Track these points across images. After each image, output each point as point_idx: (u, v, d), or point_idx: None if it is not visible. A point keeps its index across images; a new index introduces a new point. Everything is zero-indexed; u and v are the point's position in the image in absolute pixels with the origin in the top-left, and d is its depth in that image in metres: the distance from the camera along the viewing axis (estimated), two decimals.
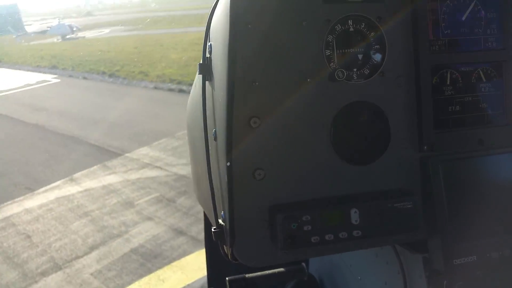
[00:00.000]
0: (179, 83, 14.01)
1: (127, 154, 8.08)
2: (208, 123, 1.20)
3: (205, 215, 1.78)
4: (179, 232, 5.17)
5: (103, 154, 8.21)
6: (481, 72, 1.30)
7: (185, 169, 7.07)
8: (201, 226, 5.55)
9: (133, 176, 7.04)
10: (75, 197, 6.51)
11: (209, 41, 1.20)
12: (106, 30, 31.72)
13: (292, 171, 1.13)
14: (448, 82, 1.26)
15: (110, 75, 16.69)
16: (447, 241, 1.18)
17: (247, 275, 1.45)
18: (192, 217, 5.51)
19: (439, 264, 1.19)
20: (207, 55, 1.19)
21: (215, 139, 1.16)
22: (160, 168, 7.29)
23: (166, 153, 7.94)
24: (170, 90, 13.63)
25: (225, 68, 1.06)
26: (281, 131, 1.12)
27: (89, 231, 5.44)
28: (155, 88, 14.18)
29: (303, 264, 1.52)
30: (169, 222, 5.44)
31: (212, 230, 1.16)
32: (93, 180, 7.03)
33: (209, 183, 1.18)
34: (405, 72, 1.20)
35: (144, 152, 8.11)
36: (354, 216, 1.11)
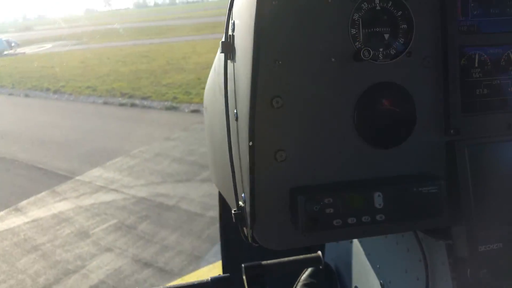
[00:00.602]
0: (131, 97, 13.45)
1: (78, 177, 7.48)
2: (230, 104, 1.18)
3: (220, 199, 1.84)
4: (144, 264, 4.70)
5: (51, 179, 7.55)
6: (511, 55, 1.28)
7: (144, 190, 6.59)
8: (169, 254, 5.23)
9: (86, 201, 6.47)
10: (21, 229, 5.86)
11: (231, 19, 1.18)
12: (48, 45, 30.34)
13: (314, 153, 1.13)
14: (476, 64, 1.23)
15: (55, 91, 15.84)
16: (472, 228, 1.18)
17: (263, 262, 1.43)
18: (157, 244, 5.05)
19: (464, 251, 1.18)
20: (230, 33, 1.17)
21: (237, 119, 1.15)
22: (116, 191, 6.76)
23: (121, 174, 7.41)
24: (122, 105, 13.02)
25: (250, 46, 1.03)
26: (303, 112, 1.11)
27: (39, 268, 4.84)
28: (105, 103, 13.51)
29: (319, 252, 1.51)
30: (131, 252, 4.96)
31: (233, 212, 1.16)
32: (41, 209, 6.39)
33: (230, 164, 1.17)
34: (432, 53, 1.19)
35: (96, 174, 7.54)
36: (378, 199, 1.10)
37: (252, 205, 1.10)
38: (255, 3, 1.03)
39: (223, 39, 1.19)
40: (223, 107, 1.19)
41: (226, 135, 1.20)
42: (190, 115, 11.49)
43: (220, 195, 1.76)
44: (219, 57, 1.31)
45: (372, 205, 1.10)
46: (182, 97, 12.91)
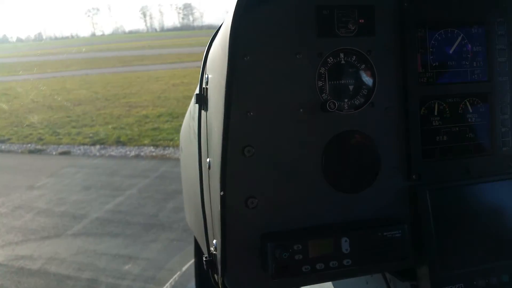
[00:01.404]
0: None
1: None
2: (203, 152, 1.26)
3: (195, 243, 1.89)
4: None
5: None
6: (467, 103, 1.38)
7: None
8: None
9: None
10: None
11: (205, 73, 1.28)
12: None
13: (284, 200, 1.19)
14: (435, 113, 1.33)
15: None
16: (434, 269, 1.24)
17: None
18: None
19: None
20: (204, 85, 1.26)
21: (209, 168, 1.21)
22: None
23: None
24: None
25: (221, 99, 1.10)
26: (273, 160, 1.18)
27: None
28: None
29: None
30: None
31: (204, 259, 1.20)
32: None
33: (202, 212, 1.23)
34: (394, 103, 1.28)
35: None
36: (345, 245, 1.16)
37: (223, 253, 1.13)
38: (226, 59, 1.08)
39: (197, 91, 1.26)
40: (198, 153, 1.25)
41: (199, 183, 1.24)
42: (58, 158, 10.20)
43: (195, 240, 1.77)
44: (194, 107, 1.34)
45: (339, 250, 1.15)
46: (50, 138, 11.47)
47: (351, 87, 1.24)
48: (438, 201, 1.29)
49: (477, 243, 1.31)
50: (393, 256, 1.20)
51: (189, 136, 1.50)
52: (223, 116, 1.09)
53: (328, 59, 1.22)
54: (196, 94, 1.25)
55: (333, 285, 1.73)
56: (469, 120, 1.37)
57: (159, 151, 10.22)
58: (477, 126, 1.38)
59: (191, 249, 5.08)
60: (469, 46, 1.36)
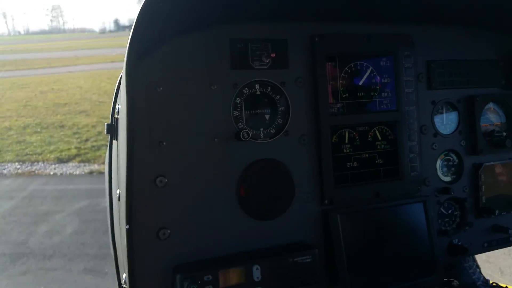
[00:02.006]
0: None
1: None
2: (113, 183, 1.26)
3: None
4: None
5: None
6: (376, 131, 1.47)
7: None
8: None
9: None
10: None
11: (117, 104, 1.27)
12: None
13: (198, 229, 1.20)
14: (346, 141, 1.43)
15: None
16: None
17: None
18: None
19: None
20: (116, 116, 1.26)
21: (119, 199, 1.15)
22: None
23: None
24: None
25: (125, 129, 1.07)
26: (187, 189, 1.20)
27: None
28: None
29: None
30: None
31: None
32: None
33: (112, 246, 1.23)
34: (307, 132, 1.37)
35: None
36: (256, 273, 1.18)
37: (132, 286, 1.10)
38: (137, 91, 1.11)
39: (109, 122, 1.26)
40: (107, 184, 1.26)
41: (109, 215, 1.25)
42: None
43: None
44: (105, 133, 1.32)
45: (250, 279, 1.17)
46: None
47: (267, 117, 1.31)
48: (349, 224, 1.35)
49: (387, 264, 1.38)
50: (305, 280, 1.23)
51: (107, 169, 1.49)
52: (127, 148, 1.06)
53: (244, 90, 1.27)
54: (107, 124, 1.24)
55: None
56: (379, 147, 1.46)
57: (25, 167, 8.96)
58: (386, 153, 1.47)
59: (73, 278, 4.43)
60: (378, 78, 1.45)
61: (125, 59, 1.03)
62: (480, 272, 1.83)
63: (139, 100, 1.14)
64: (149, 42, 1.13)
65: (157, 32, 1.13)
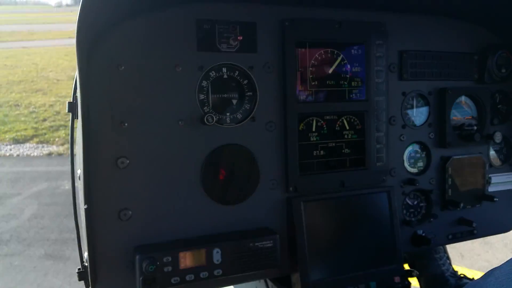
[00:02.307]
0: None
1: None
2: (75, 163, 1.21)
3: None
4: None
5: None
6: (345, 121, 1.45)
7: None
8: None
9: None
10: None
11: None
12: None
13: (160, 211, 1.20)
14: (313, 129, 1.41)
15: None
16: (305, 277, 1.31)
17: None
18: None
19: None
20: (77, 94, 1.18)
21: (80, 179, 1.16)
22: None
23: None
24: None
25: (87, 110, 1.09)
26: (150, 172, 1.18)
27: None
28: None
29: None
30: None
31: (76, 270, 1.16)
32: None
33: (75, 225, 1.19)
34: (275, 119, 1.35)
35: None
36: (216, 255, 1.19)
37: (92, 265, 1.12)
38: (100, 69, 1.11)
39: (71, 99, 1.21)
40: (70, 164, 1.21)
41: (72, 194, 1.21)
42: None
43: None
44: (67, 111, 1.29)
45: (210, 261, 1.18)
46: None
47: (234, 101, 1.29)
48: (313, 212, 1.35)
49: (348, 252, 1.38)
50: (264, 264, 1.24)
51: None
52: (82, 128, 1.05)
53: (210, 73, 1.25)
54: (69, 102, 1.20)
55: None
56: (346, 136, 1.45)
57: None
58: (353, 142, 1.46)
59: (32, 264, 4.25)
60: (348, 66, 1.42)
61: (75, 35, 0.98)
62: (450, 263, 1.86)
63: (99, 78, 1.11)
64: (105, 17, 1.09)
65: (119, 8, 1.08)
